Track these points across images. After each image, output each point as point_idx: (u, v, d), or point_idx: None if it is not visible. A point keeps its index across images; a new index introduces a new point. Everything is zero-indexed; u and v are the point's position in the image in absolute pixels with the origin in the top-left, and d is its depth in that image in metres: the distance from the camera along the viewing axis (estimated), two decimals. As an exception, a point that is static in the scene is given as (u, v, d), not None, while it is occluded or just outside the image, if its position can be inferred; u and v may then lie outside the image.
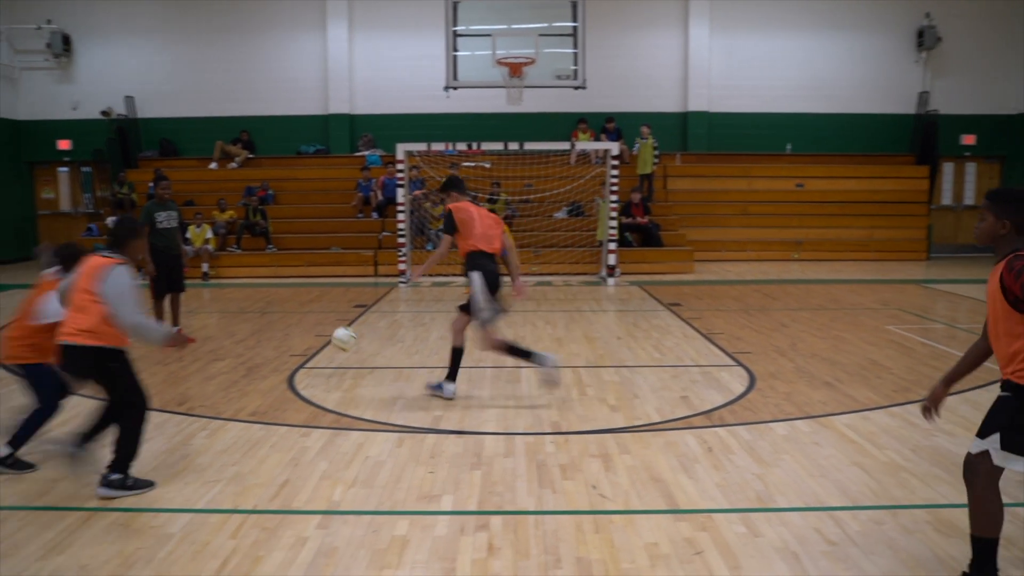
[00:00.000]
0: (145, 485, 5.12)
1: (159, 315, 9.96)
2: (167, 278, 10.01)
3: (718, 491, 5.03)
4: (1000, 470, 3.62)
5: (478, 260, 7.00)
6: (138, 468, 5.39)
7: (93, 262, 5.08)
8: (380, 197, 18.72)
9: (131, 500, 4.93)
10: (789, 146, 21.62)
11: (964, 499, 3.86)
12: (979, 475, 3.65)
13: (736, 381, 7.84)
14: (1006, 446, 3.57)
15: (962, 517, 4.50)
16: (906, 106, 21.49)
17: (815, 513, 4.69)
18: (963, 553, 4.11)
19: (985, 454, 3.63)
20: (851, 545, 4.26)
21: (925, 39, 21.01)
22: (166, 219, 9.90)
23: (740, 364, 8.53)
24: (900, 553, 4.18)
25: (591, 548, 4.24)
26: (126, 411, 5.13)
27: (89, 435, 5.18)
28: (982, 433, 3.67)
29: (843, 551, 4.19)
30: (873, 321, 11.19)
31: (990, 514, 3.65)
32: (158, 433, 6.26)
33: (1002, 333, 3.64)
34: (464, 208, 7.09)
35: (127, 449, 5.10)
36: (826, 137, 21.52)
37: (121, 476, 5.06)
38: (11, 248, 21.07)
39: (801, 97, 21.48)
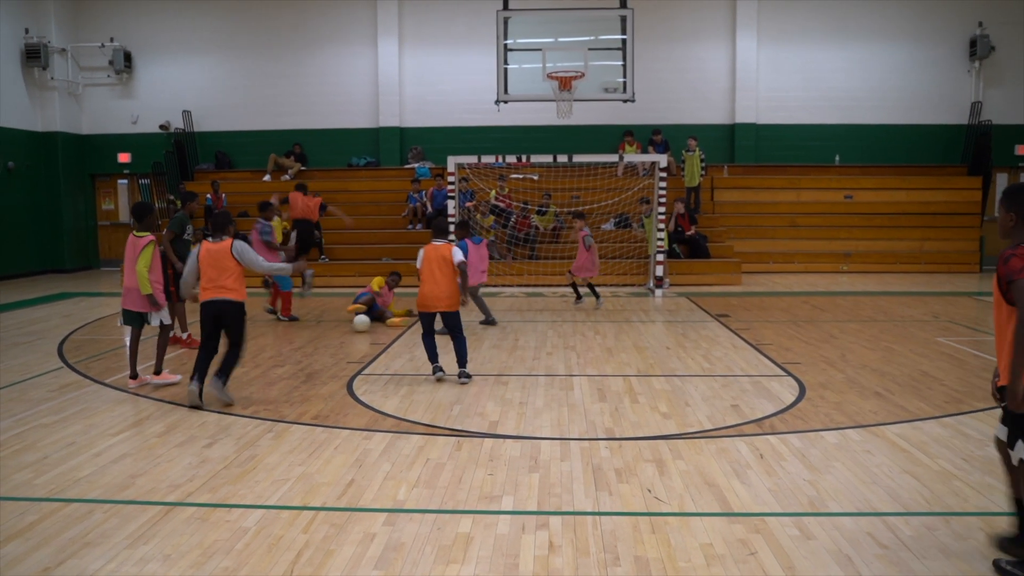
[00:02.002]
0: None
1: (182, 317, 10.50)
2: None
3: (771, 496, 5.14)
4: None
5: None
6: (210, 468, 5.68)
7: (218, 245, 7.50)
8: (430, 208, 19.02)
9: (205, 496, 5.19)
10: (837, 157, 21.52)
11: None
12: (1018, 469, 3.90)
13: (786, 391, 7.92)
14: None
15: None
16: (958, 116, 21.27)
17: (867, 518, 4.78)
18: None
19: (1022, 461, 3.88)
20: (903, 549, 4.35)
21: (978, 48, 20.79)
22: (190, 233, 10.40)
23: (790, 374, 8.60)
24: (953, 559, 4.26)
25: (648, 547, 4.39)
26: (238, 349, 7.57)
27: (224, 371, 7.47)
28: (1010, 442, 3.91)
29: (896, 555, 4.28)
30: (924, 333, 11.16)
31: None
32: (225, 435, 6.55)
33: (997, 327, 3.79)
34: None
35: (232, 366, 7.52)
36: (876, 148, 21.39)
37: (225, 379, 7.44)
38: (75, 257, 21.80)
39: (850, 108, 21.39)
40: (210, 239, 7.56)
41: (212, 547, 4.44)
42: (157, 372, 8.49)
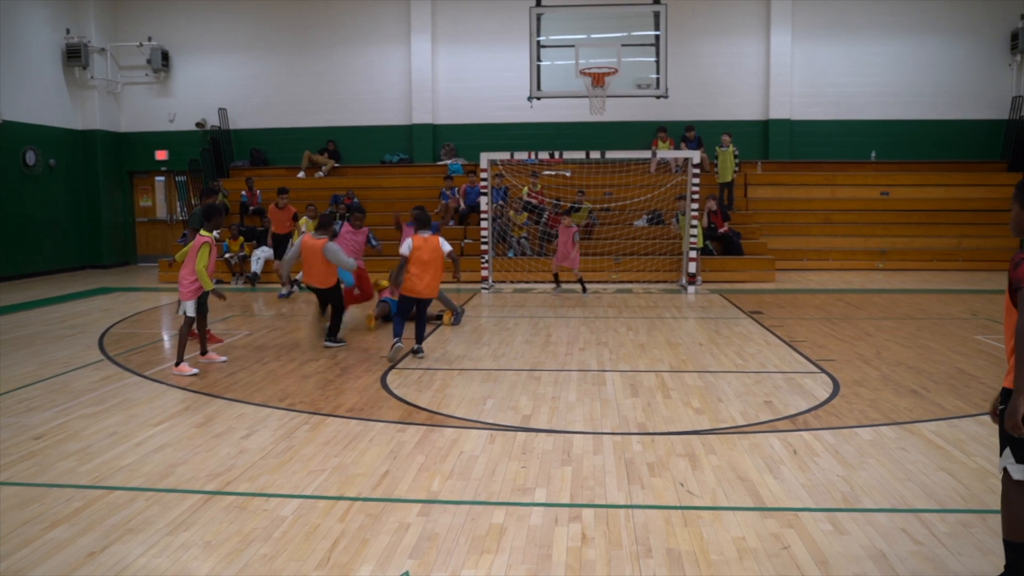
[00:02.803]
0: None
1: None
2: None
3: (804, 491, 5.13)
4: None
5: None
6: (248, 458, 5.80)
7: (316, 242, 10.00)
8: (462, 205, 19.09)
9: (244, 485, 5.29)
10: (873, 153, 21.27)
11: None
12: (1005, 487, 3.69)
13: (820, 387, 7.88)
14: (1020, 459, 3.56)
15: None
16: (998, 111, 20.94)
17: (902, 514, 4.76)
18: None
19: (1006, 471, 3.65)
20: (938, 546, 4.33)
21: (1019, 41, 20.46)
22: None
23: (824, 371, 8.55)
24: (989, 556, 4.23)
25: (680, 540, 4.41)
26: (338, 312, 10.24)
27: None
28: (1000, 450, 3.68)
29: (930, 551, 4.27)
30: (961, 331, 11.02)
31: (1015, 520, 3.66)
32: (262, 426, 6.66)
33: (1008, 337, 3.60)
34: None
35: (338, 324, 10.18)
36: (912, 144, 21.13)
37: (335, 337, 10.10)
38: (113, 253, 22.18)
39: (886, 103, 21.14)
40: (312, 234, 10.12)
41: (251, 534, 4.53)
42: (177, 364, 8.73)
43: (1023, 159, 20.34)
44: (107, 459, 5.86)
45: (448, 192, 19.54)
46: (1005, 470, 3.64)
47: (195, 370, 8.68)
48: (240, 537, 4.49)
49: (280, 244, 16.32)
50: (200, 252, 8.69)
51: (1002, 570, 3.82)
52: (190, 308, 8.90)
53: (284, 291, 14.61)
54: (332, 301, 10.28)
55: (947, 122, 21.06)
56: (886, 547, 4.31)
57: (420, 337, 9.64)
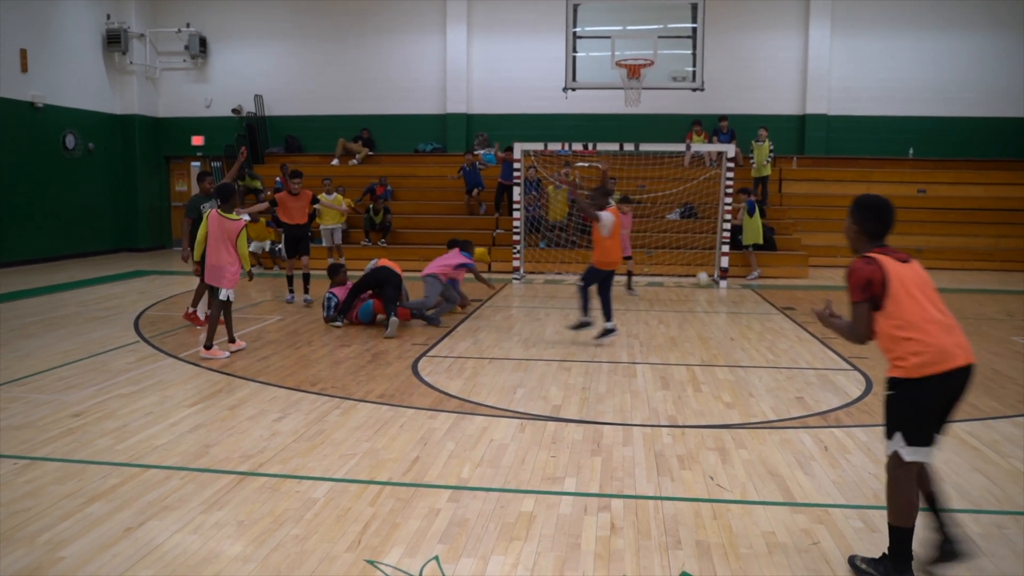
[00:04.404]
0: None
1: (197, 296, 10.45)
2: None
3: (834, 487, 5.10)
4: (915, 464, 3.80)
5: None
6: (280, 440, 5.88)
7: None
8: (501, 180, 18.79)
9: (276, 467, 5.36)
10: (911, 150, 20.98)
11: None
12: (894, 471, 3.84)
13: (852, 385, 7.81)
14: (911, 441, 3.76)
15: (1090, 525, 4.49)
16: (1040, 109, 20.56)
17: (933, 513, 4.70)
18: (1090, 560, 4.11)
19: (896, 454, 3.80)
20: (973, 547, 4.28)
21: (1064, 40, 20.06)
22: (208, 208, 9.62)
23: (856, 369, 8.47)
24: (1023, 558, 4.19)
25: (710, 533, 4.41)
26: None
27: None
28: (888, 434, 3.84)
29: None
30: (997, 332, 10.87)
31: (904, 505, 3.83)
32: (295, 410, 6.74)
33: None
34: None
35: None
36: (951, 141, 20.81)
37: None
38: (149, 236, 22.49)
39: (926, 100, 20.82)
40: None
41: (283, 515, 4.59)
42: (208, 347, 8.78)
43: (1065, 158, 19.99)
44: (143, 438, 5.96)
45: (469, 168, 19.31)
46: (893, 455, 3.82)
47: (226, 353, 8.78)
48: (272, 518, 4.56)
49: (296, 238, 12.39)
50: (241, 236, 8.80)
51: (884, 552, 3.97)
52: (232, 294, 8.89)
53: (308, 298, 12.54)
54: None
55: (987, 119, 20.71)
56: (917, 546, 4.27)
57: (610, 313, 9.85)
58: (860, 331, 3.93)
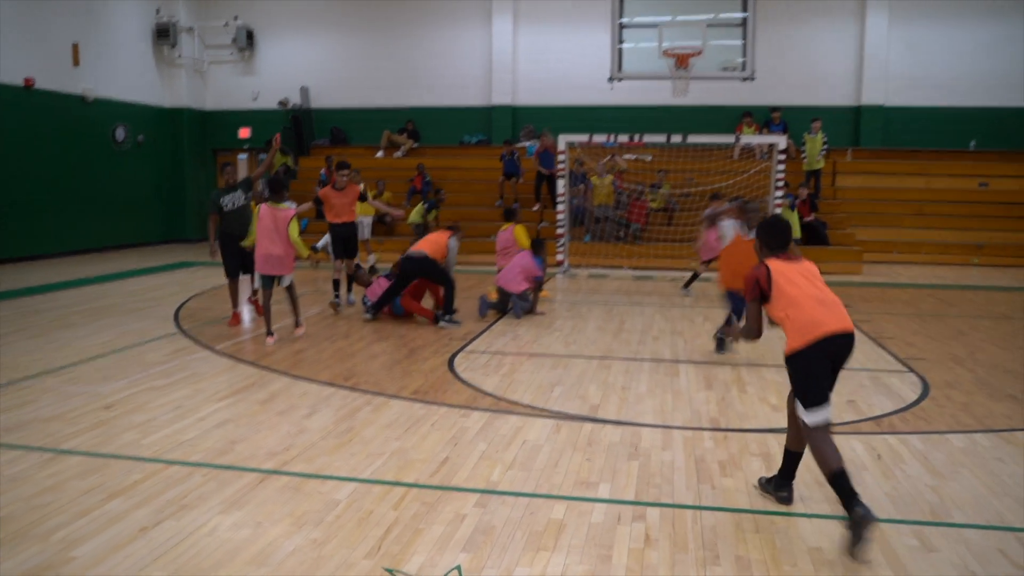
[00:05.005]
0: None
1: (232, 294, 10.24)
2: (239, 258, 10.00)
3: (887, 500, 4.78)
4: (820, 426, 4.33)
5: None
6: (307, 438, 5.72)
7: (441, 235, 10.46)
8: (541, 169, 18.34)
9: (301, 466, 5.20)
10: (973, 142, 20.21)
11: None
12: (807, 434, 4.40)
13: (908, 388, 7.42)
14: (807, 405, 4.34)
15: None
16: (1111, 100, 19.64)
17: (998, 533, 4.36)
18: None
19: (808, 423, 4.36)
20: (1040, 569, 3.95)
21: None
22: (230, 202, 9.84)
23: (912, 371, 8.07)
24: (1097, 582, 3.84)
25: (751, 547, 4.13)
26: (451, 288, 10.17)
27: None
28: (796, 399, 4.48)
29: (1030, 574, 3.89)
30: (1065, 333, 10.32)
31: (825, 457, 4.27)
32: (325, 406, 6.58)
33: None
34: None
35: (451, 302, 10.17)
36: (1016, 133, 19.95)
37: (452, 315, 10.15)
38: (196, 228, 22.65)
39: (989, 89, 19.99)
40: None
41: (303, 517, 4.42)
42: (298, 325, 9.43)
43: None
44: (170, 432, 5.85)
45: (509, 157, 19.05)
46: (803, 421, 4.41)
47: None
48: (292, 519, 4.39)
49: (344, 238, 11.13)
50: (292, 224, 8.95)
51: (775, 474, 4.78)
52: (291, 279, 9.26)
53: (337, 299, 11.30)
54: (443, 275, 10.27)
55: (1055, 110, 19.85)
56: (979, 568, 3.95)
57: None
58: (752, 325, 4.70)
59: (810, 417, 4.33)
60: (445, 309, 10.21)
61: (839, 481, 4.18)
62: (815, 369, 4.37)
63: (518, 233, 12.06)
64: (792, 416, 4.67)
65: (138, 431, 5.88)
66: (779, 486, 4.75)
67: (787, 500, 4.70)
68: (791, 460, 4.73)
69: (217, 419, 6.19)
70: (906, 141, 20.38)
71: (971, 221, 18.57)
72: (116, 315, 10.75)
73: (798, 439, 4.66)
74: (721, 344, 8.80)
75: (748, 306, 4.66)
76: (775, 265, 4.53)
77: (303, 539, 4.16)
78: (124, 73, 20.36)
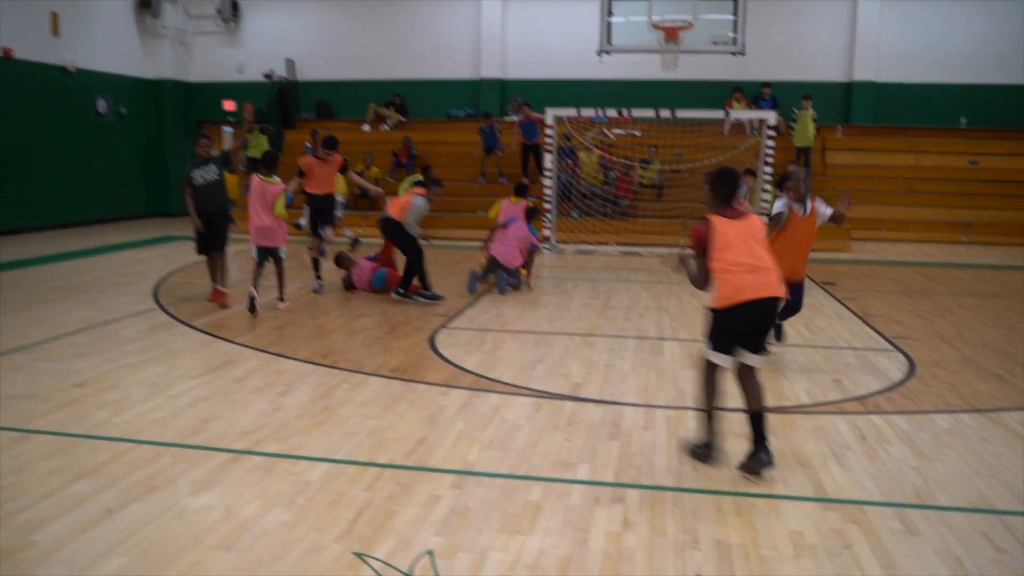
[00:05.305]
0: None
1: (211, 272, 9.75)
2: (208, 235, 9.64)
3: (871, 482, 4.69)
4: (716, 366, 4.86)
5: None
6: (282, 416, 5.60)
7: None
8: (522, 139, 18.21)
9: (274, 446, 5.08)
10: (963, 120, 20.09)
11: None
12: (702, 367, 4.95)
13: (894, 367, 7.35)
14: (714, 348, 4.83)
15: None
16: (1102, 77, 19.51)
17: (982, 516, 4.29)
18: None
19: (704, 356, 4.90)
20: (1024, 553, 3.87)
21: None
22: (200, 176, 9.54)
23: (899, 349, 7.99)
24: (1082, 567, 3.76)
25: (731, 531, 4.04)
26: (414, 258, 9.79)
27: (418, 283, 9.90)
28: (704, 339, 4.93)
29: (1016, 562, 3.81)
30: (1053, 312, 10.27)
31: (708, 393, 4.90)
32: (302, 383, 6.46)
33: None
34: None
35: (409, 277, 9.78)
36: (1008, 110, 19.82)
37: (404, 290, 9.77)
38: (180, 202, 22.26)
39: (980, 66, 19.83)
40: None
41: (273, 499, 4.31)
42: (282, 299, 9.49)
43: None
44: (142, 411, 5.72)
45: (488, 130, 18.78)
46: (704, 356, 4.93)
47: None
48: (262, 502, 4.27)
49: (320, 210, 10.97)
50: (279, 200, 9.20)
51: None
52: (285, 252, 9.49)
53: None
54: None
55: (1046, 88, 19.72)
56: (963, 553, 3.87)
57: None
58: (698, 276, 4.92)
59: (712, 356, 4.83)
60: (402, 283, 9.83)
61: (708, 420, 4.92)
62: (731, 327, 4.78)
63: (493, 212, 12.05)
64: (741, 379, 4.89)
65: (110, 410, 5.74)
66: (755, 453, 4.74)
67: (766, 463, 4.71)
68: (756, 422, 4.78)
69: (191, 397, 6.06)
70: (897, 118, 20.24)
71: (960, 199, 18.48)
72: (95, 290, 10.58)
73: (756, 398, 4.83)
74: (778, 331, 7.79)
75: (697, 260, 4.91)
76: (719, 225, 4.76)
77: (272, 521, 4.05)
78: (105, 44, 19.97)
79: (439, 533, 3.96)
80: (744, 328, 4.78)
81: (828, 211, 7.32)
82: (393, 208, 9.85)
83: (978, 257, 15.79)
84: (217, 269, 9.76)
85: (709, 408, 4.92)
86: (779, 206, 7.23)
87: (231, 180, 12.83)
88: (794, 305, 7.34)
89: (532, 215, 11.21)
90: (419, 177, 16.73)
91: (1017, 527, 4.14)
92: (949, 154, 19.35)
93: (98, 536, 3.88)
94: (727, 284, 4.71)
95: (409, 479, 4.60)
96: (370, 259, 10.68)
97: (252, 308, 8.98)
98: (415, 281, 9.96)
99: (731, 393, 6.01)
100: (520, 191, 12.26)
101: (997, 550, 3.90)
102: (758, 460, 4.68)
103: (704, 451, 4.94)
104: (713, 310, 4.83)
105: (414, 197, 9.85)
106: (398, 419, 5.63)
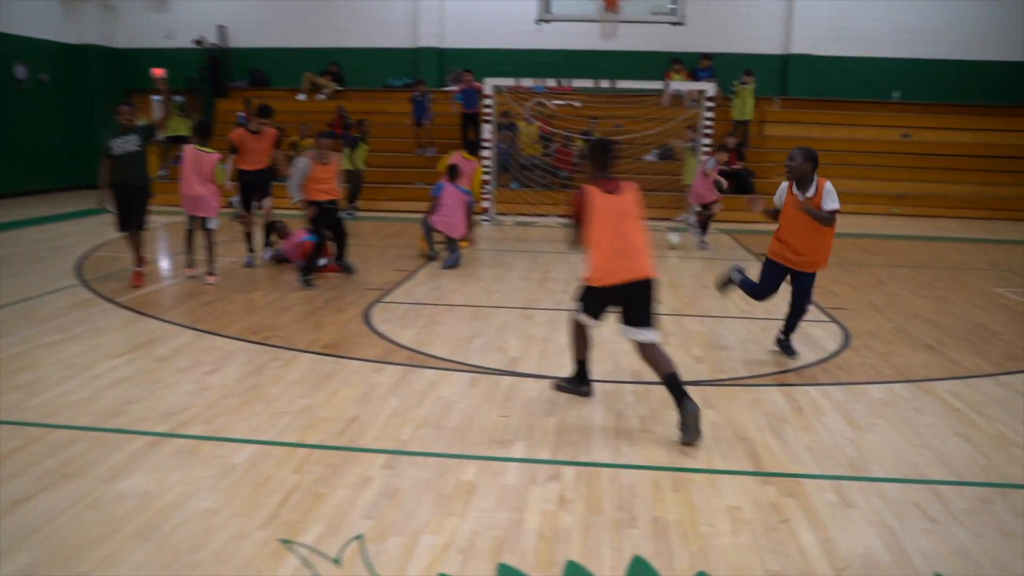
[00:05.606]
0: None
1: (133, 249, 9.11)
2: (125, 212, 8.96)
3: (808, 454, 4.69)
4: (583, 323, 5.27)
5: None
6: (208, 396, 5.39)
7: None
8: (463, 110, 17.82)
9: (199, 428, 4.87)
10: (897, 93, 20.40)
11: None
12: (572, 322, 5.38)
13: (829, 338, 7.40)
14: (583, 311, 5.22)
15: (1085, 501, 4.11)
16: (1028, 53, 19.98)
17: (914, 486, 4.31)
18: (1085, 541, 3.73)
19: (574, 314, 5.32)
20: (956, 525, 3.88)
21: (1057, -20, 19.40)
22: (119, 147, 8.91)
23: (834, 320, 8.06)
24: (1012, 538, 3.78)
25: (668, 507, 3.98)
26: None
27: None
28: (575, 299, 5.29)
29: (947, 531, 3.82)
30: (980, 283, 10.49)
31: (577, 344, 5.41)
32: (231, 361, 6.23)
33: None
34: None
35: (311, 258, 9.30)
36: (940, 85, 20.19)
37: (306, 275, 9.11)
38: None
39: (913, 41, 20.13)
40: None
41: (195, 484, 4.11)
42: (211, 273, 9.26)
43: (1053, 104, 19.52)
44: (58, 393, 5.44)
45: (420, 97, 18.32)
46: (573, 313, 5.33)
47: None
48: (183, 487, 4.08)
49: (252, 185, 10.30)
50: (217, 169, 9.29)
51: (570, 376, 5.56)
52: (217, 223, 9.44)
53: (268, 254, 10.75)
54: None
55: (976, 63, 20.07)
56: (897, 524, 3.87)
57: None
58: (572, 239, 5.16)
59: (580, 318, 5.24)
60: (304, 268, 9.20)
61: (578, 364, 5.45)
62: (598, 301, 5.13)
63: (442, 165, 11.89)
64: (643, 355, 5.09)
65: (23, 392, 5.45)
66: (682, 418, 4.80)
67: (692, 410, 4.78)
68: (671, 387, 4.91)
69: (112, 378, 5.79)
70: (833, 91, 20.45)
71: (894, 171, 18.79)
72: (16, 264, 10.12)
73: (659, 365, 4.99)
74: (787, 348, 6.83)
75: (569, 229, 5.18)
76: (595, 199, 4.96)
77: (194, 508, 3.86)
78: (22, 6, 18.99)
79: (369, 516, 3.82)
80: (611, 303, 5.09)
81: (833, 204, 6.64)
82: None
83: (910, 229, 16.09)
84: (134, 248, 9.10)
85: (578, 357, 5.43)
86: (782, 191, 6.87)
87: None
88: (795, 305, 6.68)
89: (453, 174, 10.91)
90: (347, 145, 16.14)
91: (948, 497, 4.16)
92: (883, 127, 19.64)
93: (4, 529, 3.65)
94: (596, 266, 4.96)
95: (340, 460, 4.44)
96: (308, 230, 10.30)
97: (208, 271, 9.23)
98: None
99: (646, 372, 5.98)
100: (472, 148, 12.11)
101: (929, 520, 3.91)
102: (686, 423, 4.74)
103: (569, 384, 5.50)
104: (585, 283, 5.13)
105: (297, 158, 9.51)
106: (330, 397, 5.46)
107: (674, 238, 13.09)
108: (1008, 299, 9.45)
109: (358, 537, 3.62)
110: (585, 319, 5.24)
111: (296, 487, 4.10)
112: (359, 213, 16.07)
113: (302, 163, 9.24)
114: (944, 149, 19.09)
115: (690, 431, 4.72)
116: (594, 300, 5.14)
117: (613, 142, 5.31)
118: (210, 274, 9.22)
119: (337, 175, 9.49)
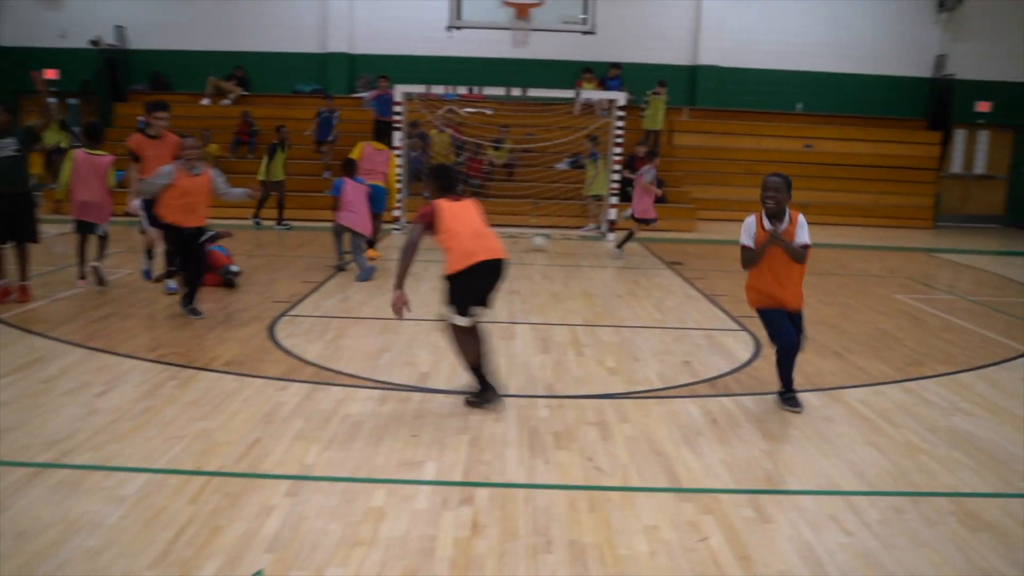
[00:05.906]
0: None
1: (19, 264, 8.34)
2: (6, 222, 8.14)
3: (724, 468, 4.64)
4: (465, 328, 5.40)
5: None
6: (97, 421, 5.03)
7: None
8: (377, 116, 17.35)
9: (86, 456, 4.52)
10: (799, 105, 20.99)
11: (989, 488, 4.45)
12: (452, 333, 5.46)
13: (741, 347, 7.44)
14: (459, 313, 5.36)
15: (987, 507, 4.18)
16: (922, 69, 20.80)
17: (829, 498, 4.30)
18: (990, 547, 3.77)
19: (451, 324, 5.41)
20: (870, 537, 3.87)
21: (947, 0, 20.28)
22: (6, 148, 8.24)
23: (745, 329, 8.12)
24: (924, 548, 3.79)
25: (585, 530, 3.85)
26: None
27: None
28: (447, 307, 5.43)
29: (862, 544, 3.80)
30: (881, 289, 10.79)
31: (466, 354, 5.45)
32: (123, 382, 5.86)
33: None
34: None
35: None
36: (839, 98, 20.86)
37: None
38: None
39: (816, 55, 20.73)
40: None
41: (78, 521, 3.78)
42: (82, 277, 9.00)
43: (943, 118, 20.36)
44: (-74, 420, 5.00)
45: (328, 113, 17.68)
46: (451, 323, 5.42)
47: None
48: (64, 525, 3.74)
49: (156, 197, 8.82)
50: (109, 172, 8.93)
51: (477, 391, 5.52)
52: (105, 229, 9.06)
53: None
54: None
55: (873, 77, 20.81)
56: (814, 538, 3.84)
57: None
58: (411, 240, 5.35)
59: (460, 321, 5.35)
60: (185, 297, 8.02)
61: (476, 371, 5.46)
62: (468, 287, 5.33)
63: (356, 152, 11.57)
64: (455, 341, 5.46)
65: None
66: (483, 390, 5.48)
67: (494, 400, 5.50)
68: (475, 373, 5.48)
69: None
70: (739, 102, 20.89)
71: (798, 181, 18.82)
72: None
73: (473, 354, 5.45)
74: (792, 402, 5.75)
75: (413, 227, 5.38)
76: (444, 204, 5.39)
77: (74, 549, 3.54)
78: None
79: (271, 550, 3.58)
80: (478, 289, 5.39)
81: (805, 238, 6.05)
82: None
83: (813, 237, 16.39)
84: (21, 261, 8.35)
85: (471, 363, 5.46)
86: (750, 224, 6.12)
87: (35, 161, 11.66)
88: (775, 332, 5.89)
89: (349, 168, 10.61)
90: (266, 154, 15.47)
91: (862, 508, 4.16)
92: (787, 137, 20.16)
93: None
94: (456, 251, 5.28)
95: (239, 488, 4.17)
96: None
97: (101, 282, 8.97)
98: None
99: (582, 379, 5.91)
100: (383, 138, 11.85)
101: (845, 533, 3.90)
102: (484, 397, 5.45)
103: (479, 399, 5.49)
104: (450, 276, 5.33)
105: (161, 167, 7.97)
106: (230, 419, 5.16)
107: (539, 240, 13.15)
108: (909, 305, 9.73)
109: (258, 573, 3.38)
110: (460, 320, 5.36)
111: (191, 519, 3.82)
112: (291, 224, 15.25)
113: (166, 170, 7.76)
114: (844, 159, 19.71)
115: (475, 402, 5.51)
116: (462, 291, 5.34)
117: (449, 167, 5.89)
118: (81, 278, 9.01)
119: (207, 192, 7.90)
